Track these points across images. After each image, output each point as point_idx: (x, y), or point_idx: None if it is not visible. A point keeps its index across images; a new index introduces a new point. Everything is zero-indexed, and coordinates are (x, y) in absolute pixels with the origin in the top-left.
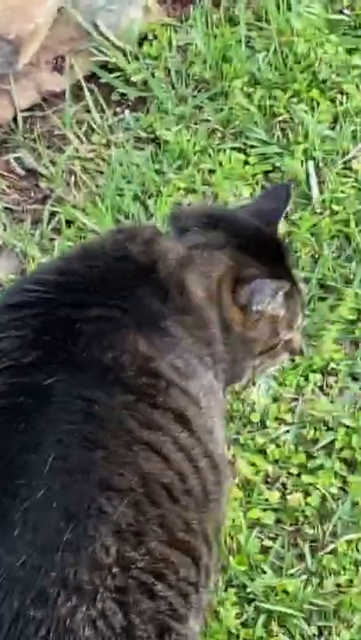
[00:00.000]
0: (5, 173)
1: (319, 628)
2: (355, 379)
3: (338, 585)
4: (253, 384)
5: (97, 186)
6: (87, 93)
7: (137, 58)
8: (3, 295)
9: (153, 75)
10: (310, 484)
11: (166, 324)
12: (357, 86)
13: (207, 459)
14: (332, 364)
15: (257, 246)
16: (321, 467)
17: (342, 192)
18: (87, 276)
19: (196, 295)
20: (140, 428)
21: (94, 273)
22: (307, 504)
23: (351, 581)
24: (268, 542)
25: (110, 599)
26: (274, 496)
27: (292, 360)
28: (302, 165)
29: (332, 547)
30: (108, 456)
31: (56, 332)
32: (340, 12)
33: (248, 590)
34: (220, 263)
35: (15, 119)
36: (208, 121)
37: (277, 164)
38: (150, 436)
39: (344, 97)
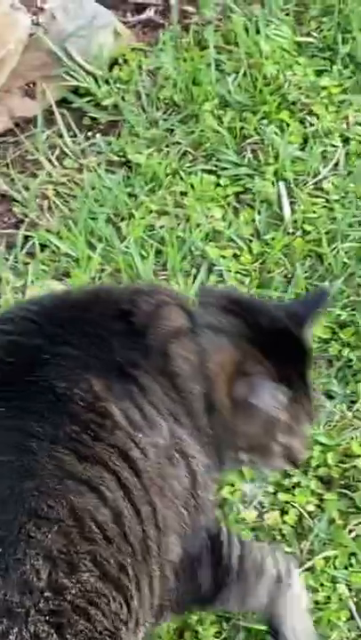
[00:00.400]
0: None
1: None
2: (330, 397)
3: (316, 602)
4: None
5: (70, 210)
6: (59, 118)
7: (107, 82)
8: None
9: (123, 99)
10: (287, 502)
11: (135, 374)
12: (326, 107)
13: (150, 509)
14: None
15: (276, 345)
16: (298, 485)
17: (314, 212)
18: (77, 315)
19: (179, 366)
20: (78, 462)
21: (86, 314)
22: (284, 522)
23: (329, 598)
24: None
25: (44, 622)
26: (251, 515)
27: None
28: (274, 186)
29: (309, 564)
30: (38, 486)
31: (21, 357)
32: (308, 35)
33: None
34: (222, 350)
35: None
36: (179, 144)
37: (249, 186)
38: (88, 471)
39: (313, 118)
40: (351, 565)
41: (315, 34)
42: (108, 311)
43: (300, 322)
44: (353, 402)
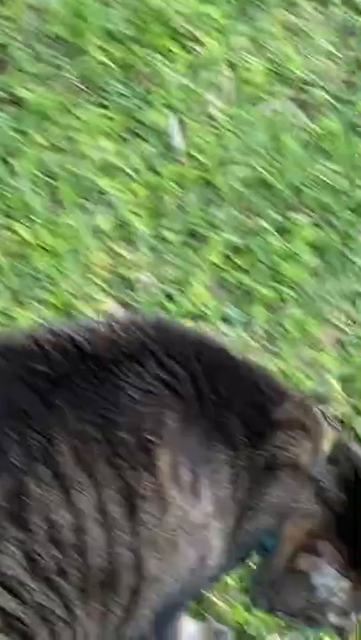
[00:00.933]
0: None
1: None
2: (225, 321)
3: None
4: None
5: None
6: None
7: None
8: None
9: (9, 36)
10: None
11: (225, 449)
12: (212, 35)
13: (132, 555)
14: (203, 309)
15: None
16: None
17: (204, 140)
18: (227, 374)
19: (271, 490)
20: (73, 462)
21: (238, 381)
22: None
23: None
24: None
25: None
26: None
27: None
28: (163, 116)
29: None
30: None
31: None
32: None
33: None
34: (309, 517)
35: None
36: (67, 78)
37: (138, 117)
38: (74, 472)
39: (200, 46)
40: None
41: None
42: (254, 394)
43: None
44: (249, 325)
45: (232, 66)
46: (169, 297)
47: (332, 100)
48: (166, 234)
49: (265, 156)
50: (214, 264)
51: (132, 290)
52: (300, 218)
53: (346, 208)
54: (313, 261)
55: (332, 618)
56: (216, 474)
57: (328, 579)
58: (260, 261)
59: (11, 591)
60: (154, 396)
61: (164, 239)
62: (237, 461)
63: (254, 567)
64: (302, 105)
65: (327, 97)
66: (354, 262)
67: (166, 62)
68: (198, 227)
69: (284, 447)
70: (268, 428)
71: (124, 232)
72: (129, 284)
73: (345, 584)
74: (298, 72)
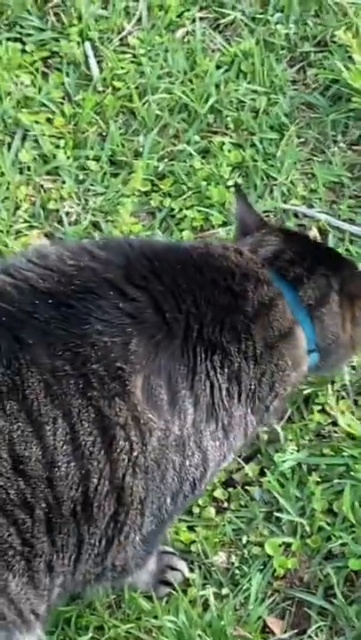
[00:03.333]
0: None
1: None
2: None
3: None
4: None
5: None
6: None
7: None
8: None
9: None
10: None
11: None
12: None
13: (111, 482)
14: (132, 237)
15: (334, 261)
16: None
17: (122, 68)
18: (185, 274)
19: (285, 361)
20: (44, 396)
21: (196, 275)
22: None
23: None
24: None
25: None
26: None
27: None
28: (79, 47)
29: None
30: None
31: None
32: None
33: None
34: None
35: None
36: None
37: (55, 49)
38: (45, 407)
39: None
40: None
41: None
42: (217, 282)
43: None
44: None
45: None
46: (96, 226)
47: (247, 21)
48: (90, 164)
49: (184, 81)
50: (140, 191)
51: (58, 222)
52: (222, 139)
53: (266, 127)
54: (237, 181)
55: None
56: (201, 385)
57: None
58: (185, 185)
59: None
60: (118, 326)
61: (87, 169)
62: (230, 361)
63: None
64: (218, 27)
65: (242, 17)
66: (276, 179)
67: None
68: (121, 155)
69: (269, 327)
70: (245, 321)
71: (48, 165)
72: (55, 216)
73: None
74: None
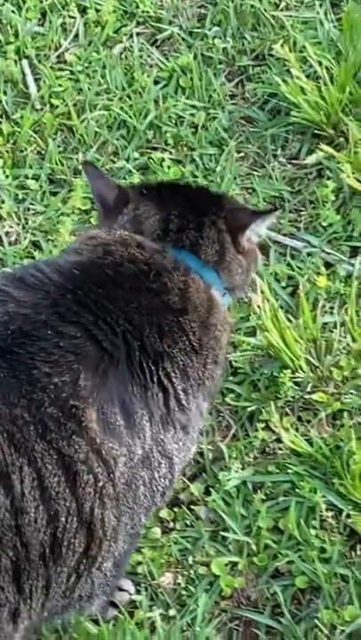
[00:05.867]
0: None
1: None
2: None
3: None
4: None
5: None
6: None
7: None
8: None
9: None
10: None
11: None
12: None
13: (81, 518)
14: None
15: (209, 202)
16: None
17: (60, 85)
18: (102, 291)
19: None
20: (7, 446)
21: (115, 289)
22: None
23: None
24: None
25: None
26: None
27: (31, 257)
28: (17, 65)
29: None
30: None
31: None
32: None
33: None
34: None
35: None
36: None
37: None
38: (9, 457)
39: None
40: None
41: None
42: (139, 289)
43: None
44: None
45: (83, 9)
46: (36, 245)
47: (184, 35)
48: (29, 183)
49: (122, 97)
50: (80, 209)
51: None
52: (162, 156)
53: (206, 142)
54: None
55: None
56: (153, 398)
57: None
58: None
59: None
60: (64, 365)
61: (27, 188)
62: (177, 362)
63: None
64: (155, 42)
65: (179, 32)
66: None
67: (16, 10)
68: (61, 173)
69: (196, 309)
70: (177, 320)
71: None
72: None
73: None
74: (148, 10)
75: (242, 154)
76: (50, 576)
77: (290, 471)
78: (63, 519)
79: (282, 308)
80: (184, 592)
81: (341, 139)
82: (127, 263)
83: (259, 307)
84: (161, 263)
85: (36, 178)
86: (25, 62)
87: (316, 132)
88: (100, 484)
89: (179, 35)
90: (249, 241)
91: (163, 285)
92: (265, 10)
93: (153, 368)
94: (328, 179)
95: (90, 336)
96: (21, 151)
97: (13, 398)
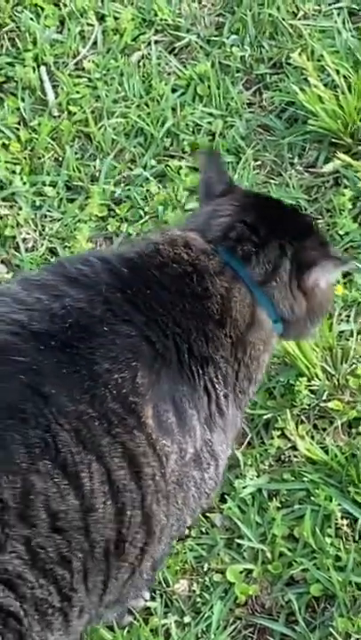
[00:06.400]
0: None
1: None
2: None
3: None
4: None
5: None
6: None
7: None
8: None
9: None
10: None
11: (201, 371)
12: None
13: (141, 514)
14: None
15: (289, 224)
16: None
17: (78, 93)
18: (150, 292)
19: (256, 349)
20: (74, 444)
21: (162, 291)
22: None
23: None
24: None
25: None
26: None
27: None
28: (35, 72)
29: None
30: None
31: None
32: None
33: None
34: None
35: None
36: None
37: (10, 74)
38: (77, 456)
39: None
40: None
41: None
42: (184, 292)
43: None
44: None
45: (101, 17)
46: (53, 252)
47: (202, 44)
48: (46, 189)
49: (140, 105)
50: (96, 216)
51: (15, 248)
52: (179, 163)
53: (223, 150)
54: (194, 206)
55: None
56: (200, 399)
57: (332, 265)
58: (142, 210)
59: (10, 587)
60: (123, 362)
61: (44, 195)
62: (220, 368)
63: None
64: (173, 50)
65: (197, 40)
66: None
67: (35, 17)
68: (78, 180)
69: (234, 320)
70: (216, 329)
71: (4, 191)
72: (12, 243)
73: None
74: (167, 18)
75: (259, 162)
76: (109, 570)
77: (305, 479)
78: (129, 512)
79: None
80: (199, 599)
81: (359, 147)
82: (172, 264)
83: None
84: (205, 265)
85: (54, 185)
86: (43, 69)
87: (333, 140)
88: (157, 478)
89: (196, 43)
90: (316, 284)
91: (205, 290)
92: (283, 18)
93: (201, 372)
94: (345, 187)
95: (143, 336)
96: (39, 158)
97: (77, 394)
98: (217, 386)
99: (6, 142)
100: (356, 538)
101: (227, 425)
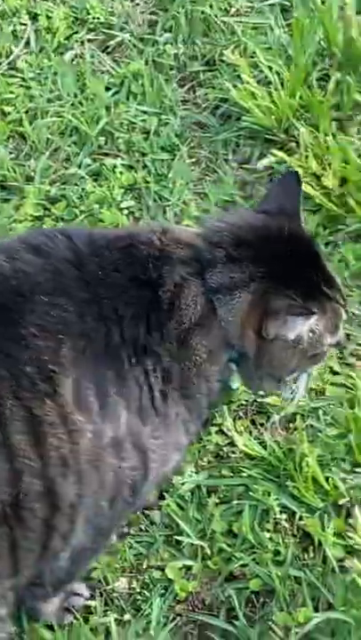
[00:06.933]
0: None
1: None
2: None
3: None
4: None
5: None
6: None
7: None
8: None
9: None
10: None
11: (136, 359)
12: None
13: (42, 484)
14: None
15: (291, 261)
16: None
17: (11, 92)
18: (102, 271)
19: (199, 355)
20: None
21: (113, 273)
22: None
23: None
24: None
25: None
26: None
27: None
28: None
29: None
30: None
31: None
32: None
33: None
34: (243, 308)
35: None
36: None
37: None
38: None
39: None
40: None
41: None
42: (137, 277)
43: (294, 217)
44: None
45: (34, 16)
46: None
47: (135, 42)
48: None
49: (74, 104)
50: (32, 215)
51: None
52: (114, 162)
53: (157, 148)
54: (129, 204)
55: (328, 339)
56: (133, 388)
57: (299, 324)
58: (78, 209)
59: None
60: (49, 331)
61: None
62: (161, 362)
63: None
64: (106, 49)
65: (130, 39)
66: (168, 200)
67: None
68: (13, 180)
69: (184, 318)
70: (164, 319)
71: None
72: None
73: (314, 318)
74: (99, 16)
75: (194, 159)
76: (14, 539)
77: (244, 474)
78: (26, 480)
79: None
80: (139, 597)
81: (293, 143)
82: (141, 245)
83: None
84: (172, 252)
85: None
86: None
87: (267, 136)
88: (64, 451)
89: (130, 41)
90: (277, 335)
91: (160, 277)
92: (216, 16)
93: (134, 360)
94: None
95: (78, 313)
96: None
97: None
98: (152, 379)
99: None
100: (295, 532)
101: (168, 424)
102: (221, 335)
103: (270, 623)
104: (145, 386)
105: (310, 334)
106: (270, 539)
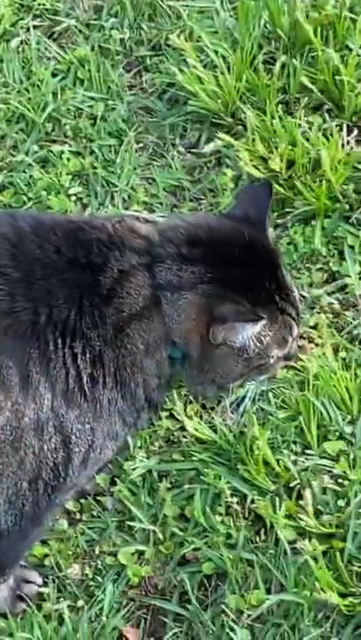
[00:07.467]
0: None
1: None
2: None
3: None
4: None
5: None
6: None
7: None
8: None
9: None
10: None
11: (65, 341)
12: None
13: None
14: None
15: (243, 268)
16: None
17: None
18: (42, 251)
19: (135, 344)
20: None
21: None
22: None
23: None
24: None
25: None
26: None
27: None
28: None
29: None
30: None
31: None
32: None
33: None
34: (188, 310)
35: None
36: None
37: None
38: None
39: None
40: None
41: None
42: (77, 260)
43: (258, 226)
44: None
45: None
46: None
47: (81, 27)
48: None
49: (20, 90)
50: None
51: None
52: (61, 148)
53: (105, 133)
54: (77, 190)
55: (275, 351)
56: (59, 370)
57: (247, 331)
58: (26, 196)
59: None
60: None
61: None
62: (92, 346)
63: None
64: (52, 35)
65: (76, 24)
66: (116, 186)
67: None
68: None
69: (124, 306)
70: (101, 304)
71: None
72: None
73: (260, 324)
74: (45, 2)
75: (141, 144)
76: None
77: (195, 459)
78: None
79: None
80: (92, 583)
81: (239, 127)
82: (91, 229)
83: None
84: (122, 238)
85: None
86: None
87: (214, 120)
88: None
89: (76, 27)
90: (226, 339)
91: (104, 261)
92: (161, 0)
93: (61, 342)
94: (227, 167)
95: (9, 292)
96: None
97: None
98: (80, 363)
99: None
100: (246, 515)
101: (99, 410)
102: (163, 331)
103: (223, 606)
104: (72, 369)
105: (257, 343)
106: (222, 522)
